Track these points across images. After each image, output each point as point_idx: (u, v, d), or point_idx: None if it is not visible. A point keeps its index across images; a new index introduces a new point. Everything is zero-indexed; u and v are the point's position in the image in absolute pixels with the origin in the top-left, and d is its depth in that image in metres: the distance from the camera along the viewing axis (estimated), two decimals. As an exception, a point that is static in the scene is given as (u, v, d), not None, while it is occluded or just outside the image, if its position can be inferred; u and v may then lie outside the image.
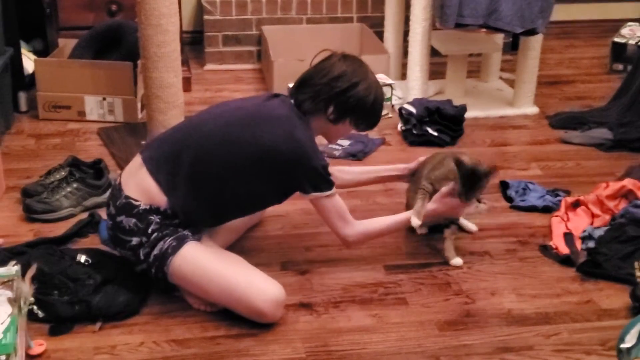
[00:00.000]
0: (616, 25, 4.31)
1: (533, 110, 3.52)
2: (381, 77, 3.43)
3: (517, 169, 2.98)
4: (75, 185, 2.59)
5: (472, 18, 3.17)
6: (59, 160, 2.75)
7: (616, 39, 4.13)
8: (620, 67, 4.08)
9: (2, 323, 1.75)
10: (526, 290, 2.22)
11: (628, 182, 2.58)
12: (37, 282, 1.95)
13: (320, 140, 2.24)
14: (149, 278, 2.10)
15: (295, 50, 3.74)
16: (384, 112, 2.95)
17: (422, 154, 2.49)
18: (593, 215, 2.55)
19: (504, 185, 2.78)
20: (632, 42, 4.08)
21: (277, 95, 2.21)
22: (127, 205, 2.06)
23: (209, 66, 4.06)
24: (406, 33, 3.50)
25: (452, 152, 2.36)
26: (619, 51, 4.10)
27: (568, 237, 2.44)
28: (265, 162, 2.07)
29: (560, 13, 4.26)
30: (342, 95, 2.13)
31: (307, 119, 2.15)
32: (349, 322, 2.07)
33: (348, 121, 2.19)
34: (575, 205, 2.61)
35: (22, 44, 3.52)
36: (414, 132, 3.17)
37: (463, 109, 3.24)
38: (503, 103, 3.60)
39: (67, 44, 3.50)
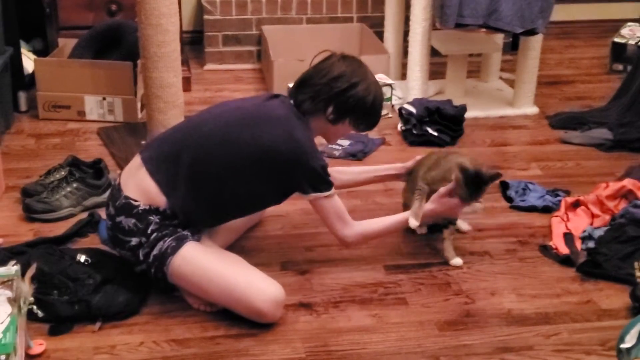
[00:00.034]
0: (616, 25, 4.31)
1: (533, 110, 3.52)
2: (381, 77, 3.43)
3: (517, 169, 2.98)
4: (75, 185, 2.59)
5: (472, 18, 3.17)
6: (58, 160, 2.75)
7: (616, 39, 4.12)
8: (620, 67, 4.08)
9: (1, 323, 1.75)
10: (526, 291, 2.22)
11: (628, 182, 2.58)
12: (37, 282, 1.95)
13: (320, 140, 2.24)
14: (148, 278, 2.10)
15: (295, 50, 3.74)
16: (384, 112, 2.95)
17: (421, 154, 2.49)
18: (593, 216, 2.55)
19: (504, 186, 2.78)
20: (632, 42, 4.08)
21: (276, 96, 2.21)
22: (126, 205, 2.06)
23: (209, 66, 4.06)
24: (406, 33, 3.50)
25: (447, 152, 2.36)
26: (618, 51, 4.10)
27: (568, 237, 2.44)
28: (265, 163, 2.07)
29: (560, 13, 4.26)
30: (341, 95, 2.13)
31: (306, 120, 2.15)
32: (348, 322, 2.07)
33: (347, 121, 2.18)
34: (575, 205, 2.61)
35: (22, 43, 3.52)
36: (414, 132, 3.17)
37: (463, 109, 3.24)
38: (503, 103, 3.60)
39: (67, 43, 3.50)
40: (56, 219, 2.52)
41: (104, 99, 3.29)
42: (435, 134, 3.15)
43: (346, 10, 4.09)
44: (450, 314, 2.11)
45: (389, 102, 3.43)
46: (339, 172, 2.42)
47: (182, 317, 2.07)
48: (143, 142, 2.88)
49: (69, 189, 2.57)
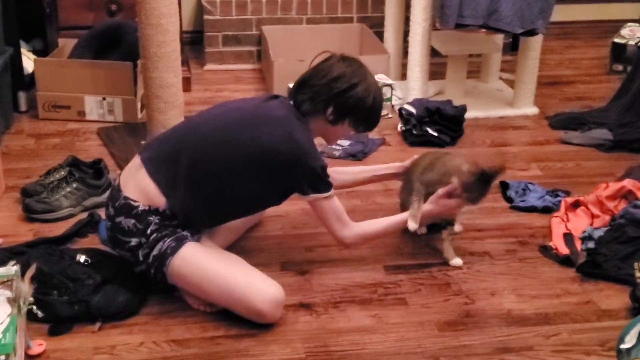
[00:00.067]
0: (616, 25, 4.31)
1: (533, 110, 3.52)
2: (381, 78, 3.43)
3: (517, 170, 2.98)
4: (74, 185, 2.59)
5: (472, 18, 3.17)
6: (58, 160, 2.75)
7: (616, 40, 4.12)
8: (620, 67, 4.08)
9: (1, 323, 1.75)
10: (526, 291, 2.22)
11: (628, 183, 2.58)
12: (37, 282, 1.95)
13: (319, 140, 2.24)
14: (148, 278, 2.10)
15: (295, 50, 3.74)
16: (384, 112, 2.95)
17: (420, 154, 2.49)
18: (593, 216, 2.55)
19: (504, 186, 2.78)
20: (632, 42, 4.08)
21: (276, 96, 2.21)
22: (126, 206, 2.06)
23: (209, 66, 4.06)
24: (406, 33, 3.50)
25: (442, 153, 2.36)
26: (618, 52, 4.10)
27: (568, 237, 2.44)
28: (264, 163, 2.07)
29: (560, 14, 4.26)
30: (341, 96, 2.13)
31: (306, 120, 2.15)
32: (348, 323, 2.07)
33: (347, 122, 2.18)
34: (575, 205, 2.61)
35: (22, 43, 3.52)
36: (414, 132, 3.17)
37: (463, 109, 3.24)
38: (503, 103, 3.60)
39: (67, 43, 3.50)
40: (56, 219, 2.52)
41: (104, 99, 3.29)
42: (435, 134, 3.15)
43: (346, 11, 4.09)
44: (450, 315, 2.11)
45: (389, 103, 3.43)
46: (337, 172, 2.41)
47: (182, 317, 2.07)
48: (143, 143, 2.88)
49: (68, 189, 2.57)
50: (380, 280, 2.26)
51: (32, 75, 3.37)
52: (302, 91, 2.16)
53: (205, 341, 1.99)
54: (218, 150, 2.07)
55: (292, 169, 2.08)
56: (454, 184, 2.21)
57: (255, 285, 2.01)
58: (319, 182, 2.11)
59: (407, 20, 3.52)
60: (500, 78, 3.89)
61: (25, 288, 1.85)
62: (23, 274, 1.87)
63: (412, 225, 2.23)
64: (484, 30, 3.29)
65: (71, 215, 2.55)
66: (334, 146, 3.06)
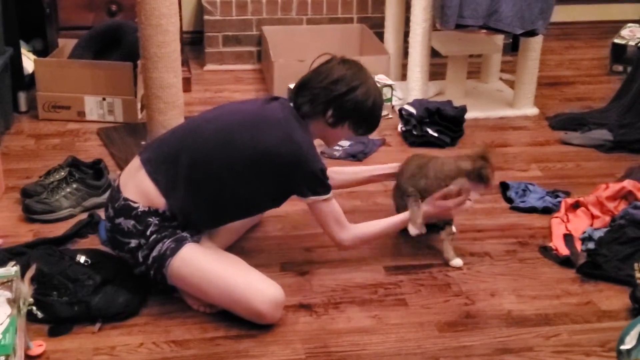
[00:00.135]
0: (616, 26, 4.31)
1: (533, 111, 3.52)
2: (381, 78, 3.43)
3: (517, 170, 2.98)
4: (74, 185, 2.58)
5: (473, 19, 3.17)
6: (58, 160, 2.75)
7: (616, 40, 4.12)
8: (620, 68, 4.08)
9: (1, 324, 1.75)
10: (526, 292, 2.22)
11: (628, 184, 2.58)
12: (37, 283, 1.95)
13: (319, 141, 2.24)
14: (148, 279, 2.10)
15: (296, 50, 3.74)
16: (384, 112, 2.95)
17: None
18: (593, 217, 2.55)
19: (504, 187, 2.78)
20: (632, 43, 4.08)
21: (276, 98, 2.21)
22: (125, 207, 2.06)
23: (209, 66, 4.06)
24: (406, 34, 3.49)
25: (429, 158, 2.36)
26: (619, 52, 4.10)
27: (568, 238, 2.44)
28: (264, 165, 2.07)
29: (560, 14, 4.25)
30: (340, 98, 2.13)
31: (306, 123, 2.15)
32: (348, 323, 2.07)
33: (347, 125, 2.18)
34: (575, 206, 2.61)
35: (22, 43, 3.52)
36: (414, 133, 3.17)
37: (463, 109, 3.24)
38: (503, 104, 3.60)
39: (67, 44, 3.50)
40: (56, 219, 2.52)
41: (104, 99, 3.29)
42: (436, 134, 3.15)
43: (346, 11, 4.09)
44: (450, 315, 2.11)
45: (389, 103, 3.43)
46: (335, 172, 2.42)
47: (182, 318, 2.07)
48: (143, 143, 2.88)
49: (68, 190, 2.57)
50: (381, 281, 2.26)
51: (32, 75, 3.37)
52: (302, 93, 2.16)
53: (205, 342, 1.99)
54: (218, 151, 2.07)
55: (292, 171, 2.08)
56: (450, 187, 2.25)
57: (255, 286, 2.01)
58: (318, 185, 2.11)
59: (407, 21, 3.52)
60: (501, 79, 3.89)
61: (25, 289, 1.84)
62: (23, 274, 1.87)
63: (414, 231, 2.25)
64: (484, 30, 3.29)
65: (71, 216, 2.55)
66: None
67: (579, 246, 2.41)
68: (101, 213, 2.37)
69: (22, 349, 1.83)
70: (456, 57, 3.52)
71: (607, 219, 2.52)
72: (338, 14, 4.10)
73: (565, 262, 2.34)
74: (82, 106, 3.29)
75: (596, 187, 2.63)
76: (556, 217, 2.56)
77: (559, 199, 2.67)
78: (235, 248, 2.34)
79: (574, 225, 2.51)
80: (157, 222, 2.04)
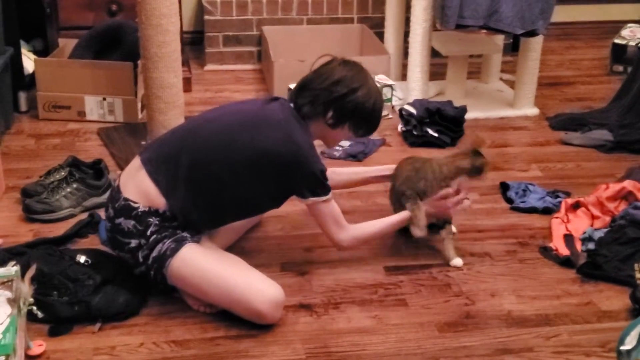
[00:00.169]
0: (616, 26, 4.31)
1: (533, 111, 3.52)
2: (381, 78, 3.43)
3: (517, 170, 2.98)
4: (75, 185, 2.58)
5: (473, 19, 3.17)
6: (58, 160, 2.75)
7: (616, 41, 4.13)
8: (620, 68, 4.08)
9: (1, 323, 1.75)
10: (526, 292, 2.22)
11: (628, 184, 2.58)
12: (37, 283, 1.95)
13: (319, 141, 2.24)
14: (148, 279, 2.10)
15: (296, 50, 3.74)
16: (384, 112, 2.95)
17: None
18: (593, 217, 2.55)
19: (504, 187, 2.78)
20: (632, 43, 4.08)
21: (276, 99, 2.21)
22: (126, 207, 2.06)
23: (209, 66, 4.06)
24: (407, 34, 3.49)
25: (422, 161, 2.36)
26: (619, 52, 4.10)
27: (568, 238, 2.44)
28: (264, 165, 2.07)
29: (560, 14, 4.25)
30: (341, 100, 2.13)
31: (306, 123, 2.15)
32: (348, 323, 2.07)
33: (347, 126, 2.19)
34: (576, 206, 2.61)
35: (22, 43, 3.52)
36: (415, 133, 3.17)
37: (463, 110, 3.24)
38: (503, 104, 3.60)
39: (67, 43, 3.50)
40: (56, 219, 2.52)
41: (104, 99, 3.29)
42: (436, 135, 3.15)
43: (347, 11, 4.09)
44: (451, 316, 2.11)
45: (389, 103, 3.43)
46: (334, 172, 2.42)
47: (182, 318, 2.07)
48: (143, 143, 2.88)
49: (69, 190, 2.57)
50: (381, 281, 2.26)
51: (32, 75, 3.37)
52: (302, 94, 2.16)
53: (205, 342, 1.99)
54: (218, 152, 2.07)
55: (292, 172, 2.08)
56: (448, 190, 2.27)
57: (255, 286, 2.01)
58: (318, 186, 2.11)
59: (407, 21, 3.52)
60: (501, 79, 3.89)
61: (25, 288, 1.84)
62: (23, 274, 1.87)
63: (419, 233, 2.28)
64: (484, 31, 3.29)
65: (71, 216, 2.55)
66: (334, 147, 3.06)
67: (579, 246, 2.41)
68: (101, 213, 2.37)
69: (22, 349, 1.83)
70: (456, 57, 3.52)
71: (608, 219, 2.52)
72: (338, 14, 4.10)
73: (566, 262, 2.34)
74: (82, 106, 3.29)
75: (596, 188, 2.63)
76: (556, 217, 2.56)
77: (559, 199, 2.67)
78: (236, 248, 2.34)
79: (574, 226, 2.51)
80: (157, 222, 2.04)
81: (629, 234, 2.37)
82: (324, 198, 2.12)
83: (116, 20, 3.59)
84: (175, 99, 2.79)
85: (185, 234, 2.06)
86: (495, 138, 3.28)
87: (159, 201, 2.05)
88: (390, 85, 3.43)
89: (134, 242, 2.05)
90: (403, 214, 2.29)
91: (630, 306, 2.13)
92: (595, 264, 2.29)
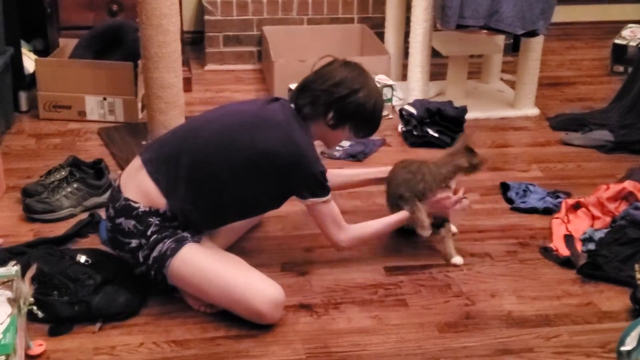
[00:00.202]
0: (617, 26, 4.31)
1: (534, 111, 3.52)
2: (382, 78, 3.43)
3: (518, 171, 2.98)
4: (75, 185, 2.59)
5: (473, 19, 3.17)
6: (59, 160, 2.75)
7: (617, 41, 4.12)
8: (620, 68, 4.08)
9: (1, 323, 1.75)
10: (526, 292, 2.22)
11: (629, 184, 2.58)
12: (37, 283, 1.95)
13: (319, 141, 2.24)
14: (148, 279, 2.10)
15: (296, 50, 3.74)
16: (384, 113, 2.95)
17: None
18: (593, 217, 2.55)
19: (505, 187, 2.78)
20: (632, 43, 4.08)
21: (277, 99, 2.22)
22: (126, 207, 2.06)
23: (210, 66, 4.06)
24: (407, 34, 3.49)
25: (418, 164, 2.37)
26: (619, 53, 4.10)
27: (568, 239, 2.44)
28: (264, 166, 2.07)
29: (561, 14, 4.25)
30: (341, 101, 2.13)
31: (306, 124, 2.16)
32: (349, 324, 2.07)
33: (347, 127, 2.19)
34: (576, 207, 2.61)
35: (23, 43, 3.52)
36: (415, 133, 3.17)
37: (464, 110, 3.24)
38: (504, 104, 3.60)
39: (67, 43, 3.50)
40: (56, 219, 2.52)
41: (105, 99, 3.29)
42: (436, 135, 3.15)
43: (347, 11, 4.09)
44: (451, 316, 2.11)
45: (389, 103, 3.43)
46: (331, 174, 2.41)
47: (182, 318, 2.07)
48: (143, 143, 2.88)
49: (69, 189, 2.57)
50: (381, 281, 2.26)
51: (33, 75, 3.37)
52: (303, 95, 2.17)
53: (206, 342, 1.99)
54: (219, 152, 2.07)
55: (292, 172, 2.08)
56: (449, 193, 2.30)
57: (255, 286, 2.01)
58: (318, 187, 2.11)
59: (407, 21, 3.52)
60: (501, 79, 3.89)
61: (26, 288, 1.85)
62: (23, 274, 1.87)
63: (425, 234, 2.31)
64: (485, 31, 3.29)
65: (72, 216, 2.55)
66: (334, 147, 3.06)
67: (579, 247, 2.41)
68: (102, 213, 2.38)
69: (22, 349, 1.83)
70: (457, 58, 3.52)
71: (608, 219, 2.52)
72: (339, 14, 4.10)
73: (566, 262, 2.34)
74: (82, 106, 3.29)
75: (597, 188, 2.63)
76: (557, 217, 2.56)
77: (559, 200, 2.67)
78: (236, 248, 2.34)
79: (575, 226, 2.51)
80: (157, 222, 2.04)
81: (630, 234, 2.37)
82: (324, 199, 2.13)
83: (117, 20, 3.59)
84: (176, 99, 2.79)
85: (185, 234, 2.07)
86: (495, 138, 3.28)
87: (160, 201, 2.05)
88: (390, 86, 3.43)
89: (134, 242, 2.05)
90: (401, 214, 2.30)
91: (630, 307, 2.13)
92: (596, 265, 2.29)
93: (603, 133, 3.21)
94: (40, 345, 1.93)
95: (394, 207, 2.35)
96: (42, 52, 3.67)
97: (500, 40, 3.82)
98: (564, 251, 2.39)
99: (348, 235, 2.21)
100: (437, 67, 3.70)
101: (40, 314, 2.00)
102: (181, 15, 3.17)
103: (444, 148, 3.11)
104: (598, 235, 2.43)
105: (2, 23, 3.10)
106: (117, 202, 2.08)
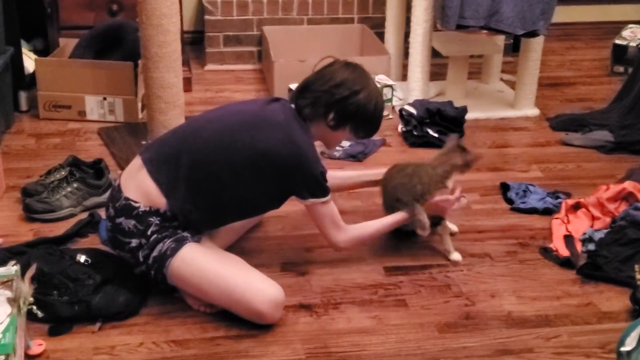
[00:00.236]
0: (617, 27, 4.31)
1: (534, 112, 3.52)
2: (382, 78, 3.43)
3: (518, 171, 2.98)
4: (75, 185, 2.58)
5: (474, 19, 3.17)
6: (59, 159, 2.74)
7: (617, 41, 4.12)
8: (621, 69, 4.08)
9: (1, 323, 1.75)
10: (526, 293, 2.22)
11: (629, 185, 2.58)
12: (37, 282, 1.95)
13: (318, 142, 2.24)
14: (148, 279, 2.10)
15: (296, 50, 3.74)
16: (385, 113, 2.95)
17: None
18: (593, 218, 2.55)
19: (505, 187, 2.78)
20: (633, 44, 4.08)
21: (277, 100, 2.22)
22: (126, 206, 2.06)
23: (210, 66, 4.06)
24: (407, 34, 3.49)
25: (414, 166, 2.37)
26: (619, 53, 4.10)
27: (568, 239, 2.44)
28: (265, 166, 2.07)
29: (561, 15, 4.25)
30: (342, 102, 2.14)
31: (307, 125, 2.16)
32: (348, 324, 2.07)
33: (348, 128, 2.19)
34: (576, 207, 2.61)
35: (23, 43, 3.52)
36: (415, 133, 3.17)
37: (464, 110, 3.24)
38: (504, 105, 3.60)
39: (67, 43, 3.50)
40: (56, 219, 2.52)
41: (105, 99, 3.29)
42: (436, 135, 3.15)
43: (347, 11, 4.09)
44: (450, 316, 2.11)
45: (389, 104, 3.43)
46: (328, 176, 2.42)
47: (182, 318, 2.07)
48: (143, 143, 2.88)
49: (69, 189, 2.57)
50: (381, 282, 2.26)
51: (33, 74, 3.37)
52: (304, 95, 2.17)
53: (205, 342, 1.99)
54: (219, 152, 2.07)
55: (292, 173, 2.08)
56: (446, 196, 2.31)
57: (255, 286, 2.01)
58: (318, 188, 2.11)
59: (408, 21, 3.51)
60: (501, 79, 3.89)
61: (26, 288, 1.85)
62: (23, 274, 1.87)
63: (425, 233, 2.32)
64: (485, 31, 3.29)
65: (72, 215, 2.55)
66: (334, 147, 3.06)
67: (579, 247, 2.41)
68: (102, 212, 2.38)
69: (22, 348, 1.83)
70: (457, 58, 3.52)
71: (608, 220, 2.52)
72: (339, 14, 4.10)
73: (566, 263, 2.34)
74: (82, 106, 3.29)
75: (597, 188, 2.63)
76: (557, 218, 2.56)
77: (559, 200, 2.67)
78: (236, 248, 2.34)
79: (575, 227, 2.51)
80: (158, 222, 2.04)
81: (630, 235, 2.37)
82: (323, 200, 2.13)
83: (117, 20, 3.59)
84: (176, 99, 2.79)
85: (185, 234, 2.07)
86: (495, 138, 3.28)
87: (160, 201, 2.05)
88: (390, 86, 3.43)
89: (134, 242, 2.05)
90: (399, 215, 2.30)
91: (630, 307, 2.13)
92: (596, 265, 2.29)
93: (603, 133, 3.21)
94: (40, 345, 1.93)
95: (391, 209, 2.36)
96: (42, 51, 3.67)
97: (501, 40, 3.82)
98: (564, 251, 2.39)
99: (346, 236, 2.21)
100: (437, 67, 3.70)
101: (40, 314, 2.00)
102: (181, 15, 3.17)
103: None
104: (598, 235, 2.43)
105: (2, 23, 3.10)
106: (118, 202, 2.08)
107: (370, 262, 2.35)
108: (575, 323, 2.09)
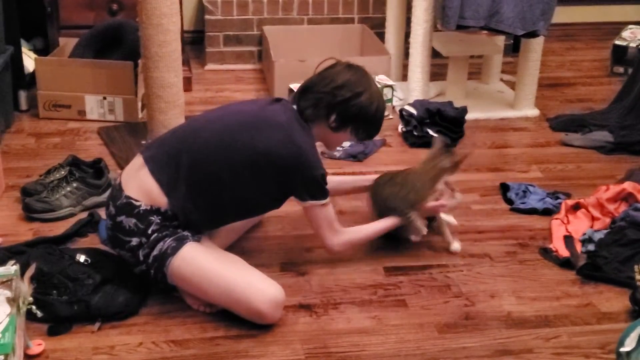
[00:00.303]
0: (617, 27, 4.31)
1: (534, 112, 3.52)
2: (382, 79, 3.43)
3: (518, 172, 2.98)
4: (75, 184, 2.58)
5: (474, 20, 3.17)
6: (59, 159, 2.74)
7: (617, 42, 4.13)
8: (621, 69, 4.08)
9: (0, 323, 1.75)
10: (526, 293, 2.22)
11: (628, 185, 2.58)
12: (36, 282, 1.95)
13: (319, 142, 2.24)
14: (148, 278, 2.10)
15: (297, 50, 3.74)
16: (385, 113, 2.96)
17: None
18: (593, 218, 2.55)
19: (504, 188, 2.78)
20: (633, 45, 4.08)
21: (278, 100, 2.21)
22: (127, 205, 2.05)
23: (210, 66, 4.06)
24: (407, 34, 3.49)
25: (404, 174, 2.39)
26: (619, 54, 4.10)
27: (568, 239, 2.44)
28: (265, 166, 2.07)
29: (561, 15, 4.25)
30: (344, 104, 2.14)
31: (308, 126, 2.16)
32: (348, 324, 2.07)
33: (349, 130, 2.20)
34: (576, 208, 2.61)
35: (23, 42, 3.52)
36: (415, 133, 3.17)
37: (464, 110, 3.24)
38: (504, 105, 3.60)
39: (67, 43, 3.50)
40: (56, 218, 2.52)
41: (105, 98, 3.29)
42: (436, 135, 3.14)
43: (347, 11, 4.09)
44: (450, 317, 2.11)
45: (390, 104, 3.43)
46: None
47: (182, 317, 2.07)
48: (143, 142, 2.88)
49: (69, 189, 2.57)
50: (380, 282, 2.26)
51: (32, 74, 3.37)
52: (305, 97, 2.17)
53: (205, 342, 1.99)
54: (219, 153, 2.07)
55: (292, 174, 2.08)
56: (440, 201, 2.34)
57: (255, 286, 2.01)
58: (318, 190, 2.12)
59: (408, 21, 3.51)
60: (501, 79, 3.89)
61: (25, 288, 1.84)
62: (22, 273, 1.87)
63: (419, 239, 2.38)
64: (485, 31, 3.29)
65: (71, 215, 2.55)
66: (334, 147, 3.06)
67: (579, 248, 2.41)
68: (101, 212, 2.37)
69: (21, 348, 1.83)
70: (457, 58, 3.52)
71: (608, 220, 2.52)
72: (339, 14, 4.10)
73: (566, 263, 2.34)
74: (82, 105, 3.29)
75: (596, 189, 2.63)
76: (556, 218, 2.56)
77: (559, 201, 2.67)
78: (236, 248, 2.34)
79: (574, 227, 2.51)
80: (158, 221, 2.04)
81: (629, 235, 2.37)
82: (322, 202, 2.13)
83: (117, 19, 3.59)
84: (176, 99, 2.79)
85: (186, 233, 2.06)
86: (495, 139, 3.28)
87: (161, 200, 2.05)
88: (390, 86, 3.43)
89: (134, 241, 2.05)
90: (392, 219, 2.32)
91: (630, 308, 2.13)
92: (595, 266, 2.29)
93: (603, 134, 3.21)
94: (40, 344, 1.93)
95: (382, 217, 2.36)
96: (42, 51, 3.67)
97: (501, 40, 3.82)
98: (564, 252, 2.38)
99: (341, 239, 2.22)
100: (438, 68, 3.70)
101: (39, 314, 2.00)
102: (181, 15, 3.17)
103: (443, 148, 3.12)
104: (598, 236, 2.43)
105: (2, 22, 3.10)
106: (118, 200, 2.07)
107: (370, 262, 2.35)
108: (575, 323, 2.09)
